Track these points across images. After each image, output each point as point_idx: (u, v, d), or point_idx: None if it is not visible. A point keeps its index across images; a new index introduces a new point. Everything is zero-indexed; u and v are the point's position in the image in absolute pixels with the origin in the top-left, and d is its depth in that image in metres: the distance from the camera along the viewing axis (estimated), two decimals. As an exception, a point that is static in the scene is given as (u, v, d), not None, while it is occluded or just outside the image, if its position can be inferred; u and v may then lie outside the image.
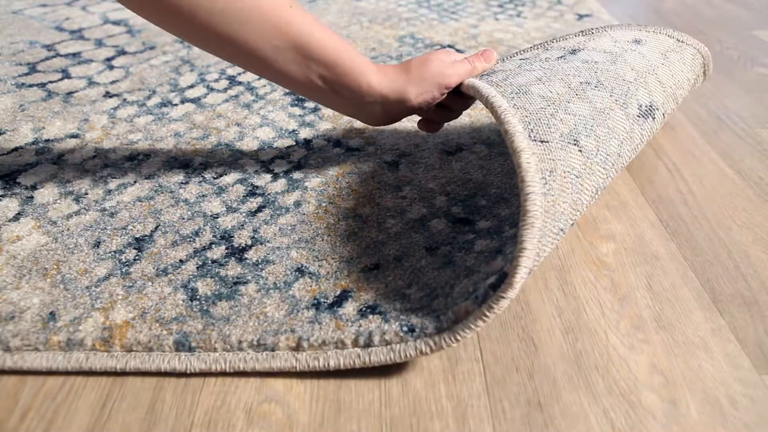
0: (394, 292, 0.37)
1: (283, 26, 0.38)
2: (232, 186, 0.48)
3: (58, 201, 0.46)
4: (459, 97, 0.44)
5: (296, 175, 0.49)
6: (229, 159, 0.52)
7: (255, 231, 0.43)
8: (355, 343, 0.33)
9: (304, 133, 0.56)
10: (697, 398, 0.32)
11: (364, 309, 0.35)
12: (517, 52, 0.50)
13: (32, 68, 0.68)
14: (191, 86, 0.65)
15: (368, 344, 0.33)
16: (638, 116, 0.41)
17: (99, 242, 0.41)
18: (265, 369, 0.33)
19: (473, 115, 0.59)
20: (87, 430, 0.30)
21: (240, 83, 0.66)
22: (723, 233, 0.44)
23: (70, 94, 0.63)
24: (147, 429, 0.30)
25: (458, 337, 0.32)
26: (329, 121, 0.58)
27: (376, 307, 0.35)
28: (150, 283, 0.38)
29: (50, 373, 0.33)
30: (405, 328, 0.33)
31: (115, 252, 0.40)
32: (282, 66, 0.40)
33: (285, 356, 0.33)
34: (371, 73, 0.41)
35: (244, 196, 0.47)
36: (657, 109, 0.43)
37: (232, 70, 0.69)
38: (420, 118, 0.47)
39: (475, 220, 0.44)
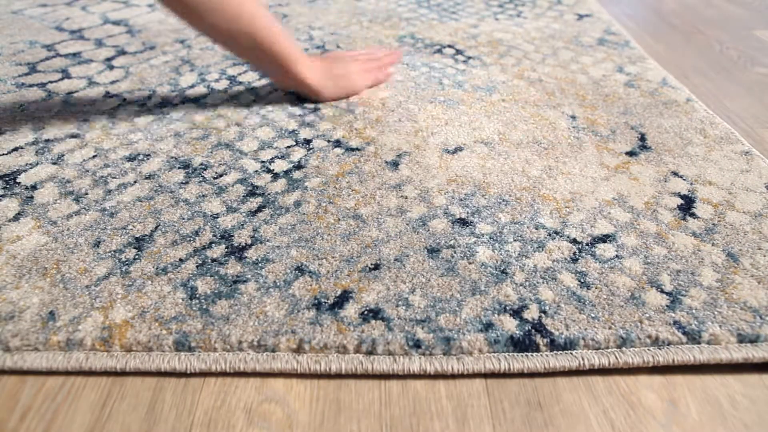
0: (397, 296, 0.37)
1: (244, 20, 0.50)
2: (232, 186, 0.48)
3: (58, 201, 0.46)
4: None
5: (296, 175, 0.49)
6: (229, 159, 0.52)
7: (255, 230, 0.43)
8: (358, 349, 0.33)
9: (304, 133, 0.56)
10: (697, 398, 0.32)
11: (366, 312, 0.35)
12: None
13: (32, 68, 0.68)
14: (191, 86, 0.65)
15: (371, 352, 0.33)
16: None
17: (99, 242, 0.41)
18: (266, 370, 0.33)
19: (471, 114, 0.59)
20: (87, 430, 0.30)
21: (240, 83, 0.66)
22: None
23: (70, 94, 0.63)
24: (147, 429, 0.30)
25: (465, 368, 0.32)
26: (329, 121, 0.58)
27: (379, 312, 0.36)
28: (149, 282, 0.38)
29: (50, 373, 0.33)
30: (410, 342, 0.33)
31: (114, 251, 0.40)
32: (238, 47, 0.53)
33: (286, 358, 0.33)
34: (301, 64, 0.57)
35: (244, 196, 0.47)
36: None
37: (233, 70, 0.69)
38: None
39: (475, 222, 0.44)
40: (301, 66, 0.56)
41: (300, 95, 0.62)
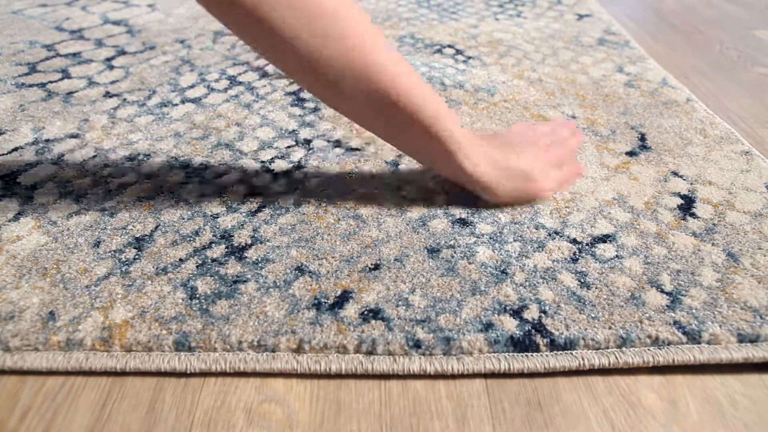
0: (397, 296, 0.37)
1: (398, 92, 0.37)
2: (232, 186, 0.48)
3: (58, 201, 0.46)
4: None
5: (296, 175, 0.49)
6: (229, 159, 0.52)
7: (255, 230, 0.43)
8: (358, 349, 0.33)
9: (304, 133, 0.56)
10: (697, 398, 0.32)
11: (366, 312, 0.35)
12: None
13: (32, 68, 0.68)
14: (191, 86, 0.65)
15: (371, 352, 0.33)
16: None
17: (99, 242, 0.41)
18: (266, 370, 0.33)
19: (474, 115, 0.59)
20: (87, 430, 0.30)
21: (240, 83, 0.66)
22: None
23: (70, 94, 0.63)
24: (147, 429, 0.30)
25: (465, 368, 0.33)
26: (329, 121, 0.58)
27: (379, 312, 0.35)
28: (149, 282, 0.38)
29: (50, 373, 0.33)
30: (410, 342, 0.33)
31: (114, 251, 0.40)
32: (384, 126, 0.40)
33: (286, 358, 0.33)
34: (467, 152, 0.41)
35: (244, 196, 0.47)
36: None
37: (233, 70, 0.69)
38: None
39: (475, 222, 0.44)
40: (466, 155, 0.41)
41: (465, 188, 0.45)
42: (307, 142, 0.54)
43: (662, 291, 0.37)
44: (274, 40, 0.33)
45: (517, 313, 0.35)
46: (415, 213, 0.45)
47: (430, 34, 0.81)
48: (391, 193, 0.47)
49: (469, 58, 0.73)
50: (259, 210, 0.45)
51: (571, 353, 0.33)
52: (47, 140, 0.54)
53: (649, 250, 0.41)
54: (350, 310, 0.36)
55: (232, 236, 0.42)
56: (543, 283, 0.38)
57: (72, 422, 0.30)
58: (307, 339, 0.34)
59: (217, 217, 0.44)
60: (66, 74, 0.67)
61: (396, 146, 0.44)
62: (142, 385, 0.33)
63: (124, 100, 0.62)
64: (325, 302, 0.36)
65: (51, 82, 0.65)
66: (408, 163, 0.51)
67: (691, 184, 0.49)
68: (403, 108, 0.37)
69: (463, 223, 0.43)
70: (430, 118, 0.38)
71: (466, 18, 0.88)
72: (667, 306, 0.36)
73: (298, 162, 0.51)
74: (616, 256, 0.40)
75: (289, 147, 0.54)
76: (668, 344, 0.34)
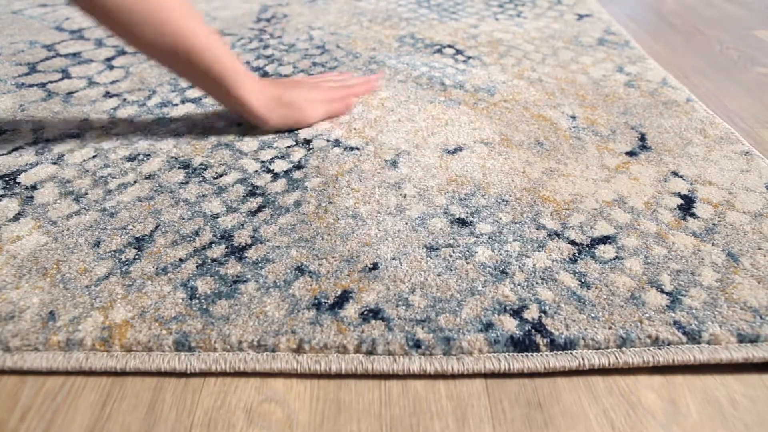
0: (396, 296, 0.37)
1: (175, 35, 0.46)
2: (232, 186, 0.48)
3: (58, 201, 0.46)
4: None
5: (296, 175, 0.49)
6: (229, 159, 0.52)
7: (255, 230, 0.43)
8: (358, 349, 0.33)
9: (304, 133, 0.56)
10: (697, 398, 0.32)
11: (366, 312, 0.35)
12: None
13: (32, 68, 0.68)
14: (191, 86, 0.65)
15: (371, 352, 0.33)
16: None
17: (99, 242, 0.41)
18: (266, 370, 0.33)
19: (473, 115, 0.59)
20: (87, 430, 0.30)
21: (240, 83, 0.66)
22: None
23: (70, 94, 0.63)
24: (147, 429, 0.30)
25: (465, 368, 0.33)
26: (329, 120, 0.58)
27: (379, 312, 0.36)
28: (150, 282, 0.38)
29: (50, 373, 0.33)
30: (410, 342, 0.33)
31: (114, 251, 0.40)
32: (175, 65, 0.48)
33: (286, 358, 0.33)
34: (246, 87, 0.51)
35: (244, 196, 0.47)
36: None
37: (232, 70, 0.69)
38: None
39: (474, 222, 0.44)
40: (245, 89, 0.51)
41: (243, 122, 0.56)
42: (307, 142, 0.54)
43: (662, 291, 0.37)
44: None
45: (517, 313, 0.35)
46: (415, 212, 0.45)
47: (430, 34, 0.81)
48: (390, 191, 0.47)
49: (469, 58, 0.73)
50: (259, 210, 0.45)
51: (571, 353, 0.33)
52: (47, 140, 0.54)
53: (649, 250, 0.41)
54: (350, 310, 0.36)
55: (232, 236, 0.42)
56: (543, 283, 0.38)
57: (72, 422, 0.30)
58: (307, 339, 0.34)
59: (217, 217, 0.44)
60: (66, 74, 0.67)
61: (195, 85, 0.52)
62: (142, 385, 0.33)
63: (124, 100, 0.62)
64: (325, 302, 0.36)
65: (51, 82, 0.65)
66: (407, 163, 0.51)
67: (691, 184, 0.49)
68: (198, 64, 0.48)
69: (462, 222, 0.44)
70: (210, 58, 0.48)
71: (466, 18, 0.88)
72: (667, 306, 0.36)
73: (298, 162, 0.51)
74: (616, 257, 0.40)
75: (289, 147, 0.54)
76: (668, 344, 0.34)
